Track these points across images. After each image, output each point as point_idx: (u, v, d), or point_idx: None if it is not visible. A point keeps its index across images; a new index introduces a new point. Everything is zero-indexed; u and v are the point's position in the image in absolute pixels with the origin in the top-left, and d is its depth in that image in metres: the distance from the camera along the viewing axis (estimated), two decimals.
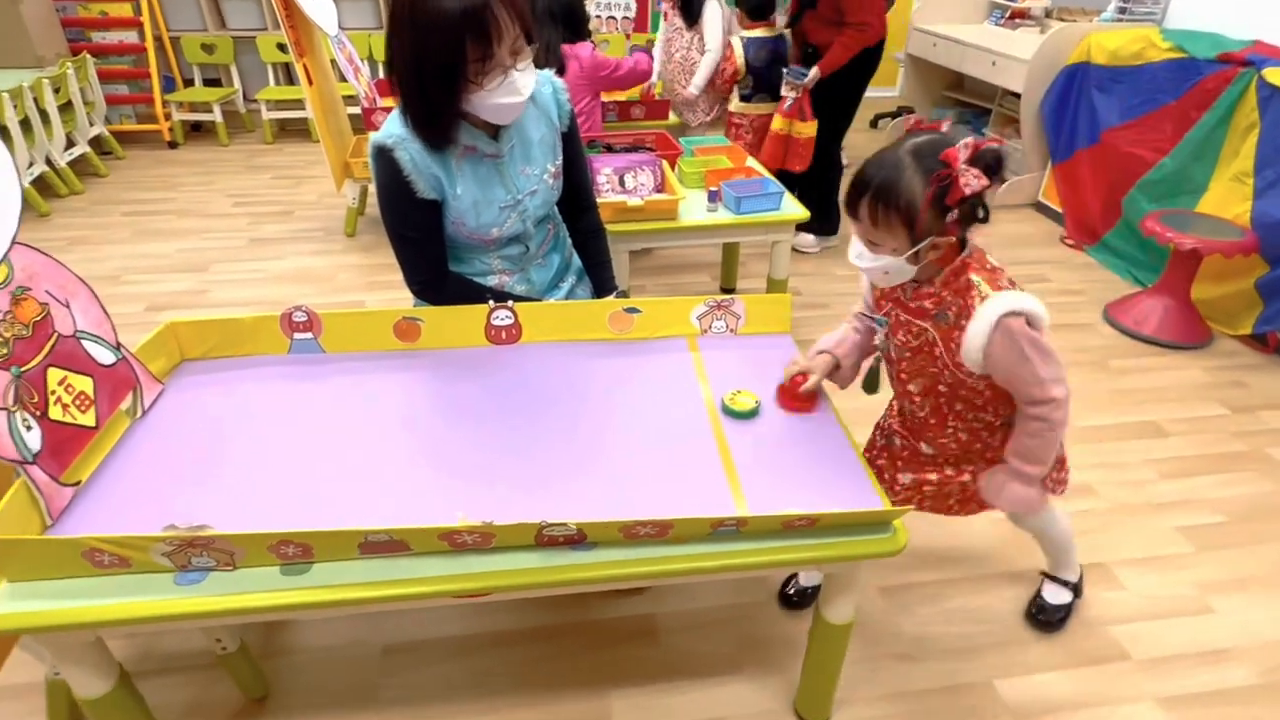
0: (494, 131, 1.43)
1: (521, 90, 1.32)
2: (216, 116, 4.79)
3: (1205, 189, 2.95)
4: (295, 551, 1.01)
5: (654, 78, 3.43)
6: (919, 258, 1.15)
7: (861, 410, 1.57)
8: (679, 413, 1.34)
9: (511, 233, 1.51)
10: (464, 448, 1.25)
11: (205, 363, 1.45)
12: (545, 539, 1.04)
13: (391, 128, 1.37)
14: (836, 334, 1.43)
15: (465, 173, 1.42)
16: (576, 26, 2.57)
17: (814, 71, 2.98)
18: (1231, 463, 2.18)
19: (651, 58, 2.82)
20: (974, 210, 1.12)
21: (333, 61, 3.45)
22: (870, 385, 1.41)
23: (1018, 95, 3.77)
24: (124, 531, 0.97)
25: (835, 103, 3.08)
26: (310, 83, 3.10)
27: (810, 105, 3.09)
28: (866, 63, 3.00)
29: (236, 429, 1.28)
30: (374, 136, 1.39)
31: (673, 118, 3.30)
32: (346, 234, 3.56)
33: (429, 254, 1.49)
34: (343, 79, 3.59)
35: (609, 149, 2.65)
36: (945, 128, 1.15)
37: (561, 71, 2.42)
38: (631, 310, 1.55)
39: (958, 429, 1.35)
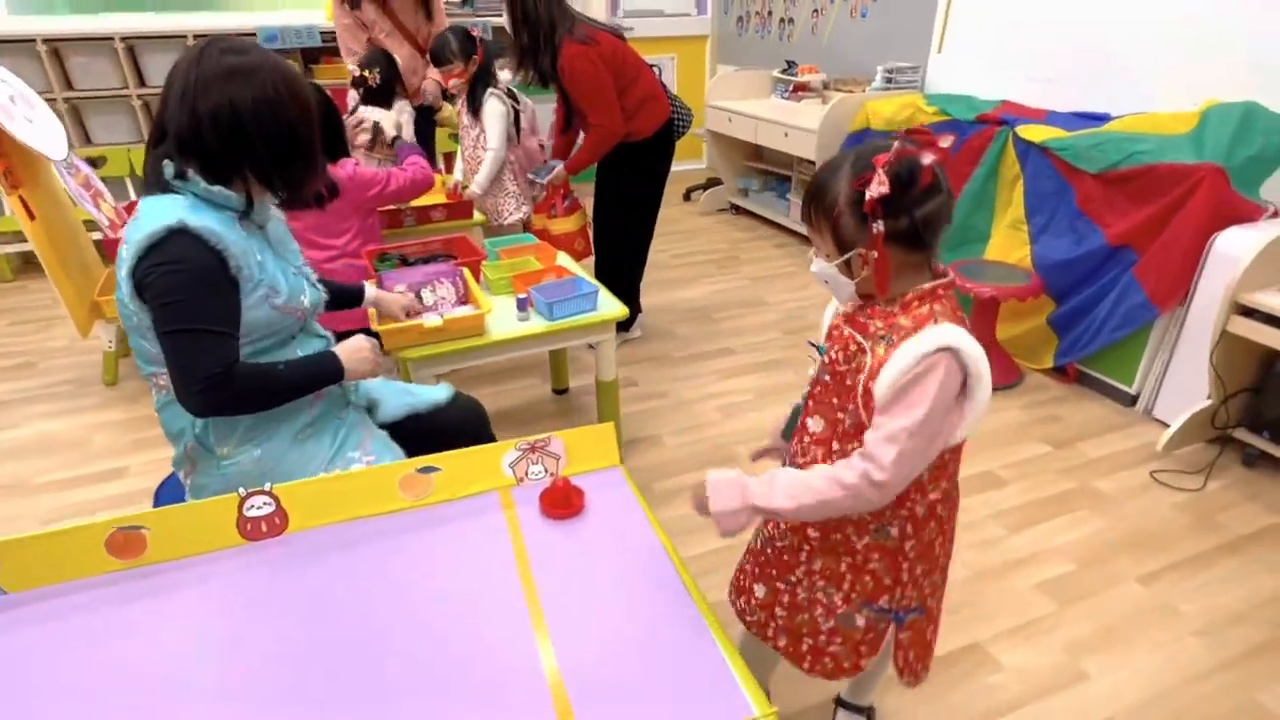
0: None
1: None
2: None
3: (989, 237, 3.17)
4: None
5: (457, 174, 3.23)
6: (850, 270, 1.04)
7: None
8: (491, 596, 1.09)
9: (313, 302, 1.46)
10: (215, 697, 0.92)
11: None
12: None
13: (172, 210, 1.22)
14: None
15: (255, 238, 1.35)
16: (333, 145, 2.26)
17: (558, 170, 2.99)
18: (1066, 503, 2.23)
19: (427, 165, 2.60)
20: (911, 229, 0.97)
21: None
22: (789, 432, 1.24)
23: (813, 162, 3.95)
24: None
25: (626, 201, 3.04)
26: (31, 217, 2.60)
27: (563, 201, 3.09)
28: (640, 159, 2.94)
29: None
30: (154, 228, 1.20)
31: (477, 216, 3.10)
32: (106, 382, 3.00)
33: (225, 347, 1.27)
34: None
35: (404, 261, 2.40)
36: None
37: (334, 195, 2.15)
38: (428, 470, 1.30)
39: None
